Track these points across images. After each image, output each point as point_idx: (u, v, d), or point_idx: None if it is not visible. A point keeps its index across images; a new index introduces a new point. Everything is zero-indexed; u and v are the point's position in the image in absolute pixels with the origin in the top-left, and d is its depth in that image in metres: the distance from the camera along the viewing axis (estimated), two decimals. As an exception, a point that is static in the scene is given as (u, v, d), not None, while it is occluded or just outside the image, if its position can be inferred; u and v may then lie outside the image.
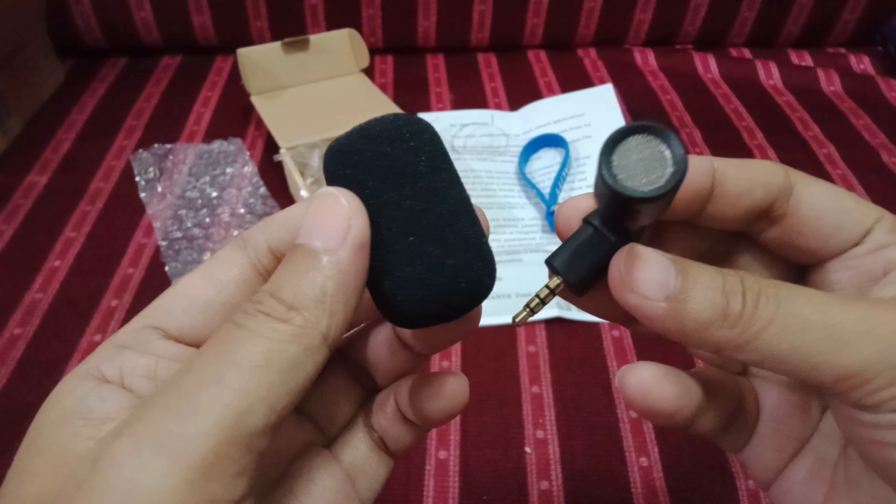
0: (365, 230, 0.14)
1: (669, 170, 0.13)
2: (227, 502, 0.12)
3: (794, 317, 0.14)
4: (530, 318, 0.17)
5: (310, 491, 0.17)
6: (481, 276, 0.15)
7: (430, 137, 0.15)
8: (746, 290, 0.14)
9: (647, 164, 0.14)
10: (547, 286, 0.16)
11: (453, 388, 0.17)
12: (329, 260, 0.14)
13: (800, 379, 0.14)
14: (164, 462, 0.12)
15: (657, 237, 0.18)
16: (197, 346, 0.15)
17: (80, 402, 0.14)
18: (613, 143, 0.14)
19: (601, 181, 0.14)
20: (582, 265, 0.16)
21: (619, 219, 0.15)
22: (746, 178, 0.16)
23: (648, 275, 0.14)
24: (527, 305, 0.17)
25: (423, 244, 0.15)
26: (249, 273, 0.16)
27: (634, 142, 0.14)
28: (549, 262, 0.16)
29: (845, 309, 0.14)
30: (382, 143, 0.15)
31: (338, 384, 0.19)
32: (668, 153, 0.13)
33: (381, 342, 0.19)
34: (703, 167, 0.16)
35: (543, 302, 0.17)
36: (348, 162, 0.15)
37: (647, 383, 0.16)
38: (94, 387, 0.14)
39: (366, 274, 0.14)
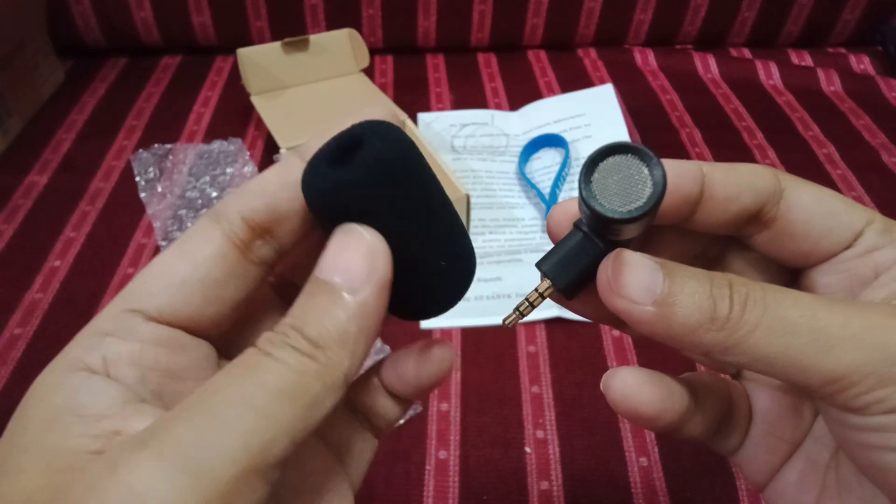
0: (389, 271, 0.14)
1: (648, 191, 0.14)
2: None
3: (781, 320, 0.14)
4: (521, 321, 0.17)
5: (300, 472, 0.17)
6: (468, 265, 0.16)
7: (399, 139, 0.15)
8: (734, 293, 0.14)
9: (627, 185, 0.14)
10: (536, 290, 0.17)
11: (440, 355, 0.17)
12: (353, 300, 0.14)
13: (788, 381, 0.14)
14: (188, 480, 0.11)
15: (647, 241, 0.18)
16: (176, 325, 0.15)
17: (69, 398, 0.13)
18: (593, 162, 0.14)
19: (581, 201, 0.14)
20: (570, 269, 0.16)
21: (601, 234, 0.16)
22: (735, 183, 0.16)
23: (636, 279, 0.15)
24: (516, 308, 0.17)
25: (423, 252, 0.15)
26: (225, 247, 0.15)
27: (615, 161, 0.14)
28: (538, 265, 0.17)
29: (832, 312, 0.14)
30: (360, 170, 0.14)
31: None
32: (647, 173, 0.14)
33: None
34: (692, 172, 0.16)
35: (532, 305, 0.17)
36: (343, 193, 0.15)
37: (630, 387, 0.17)
38: (83, 380, 0.14)
39: (385, 313, 0.15)
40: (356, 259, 0.14)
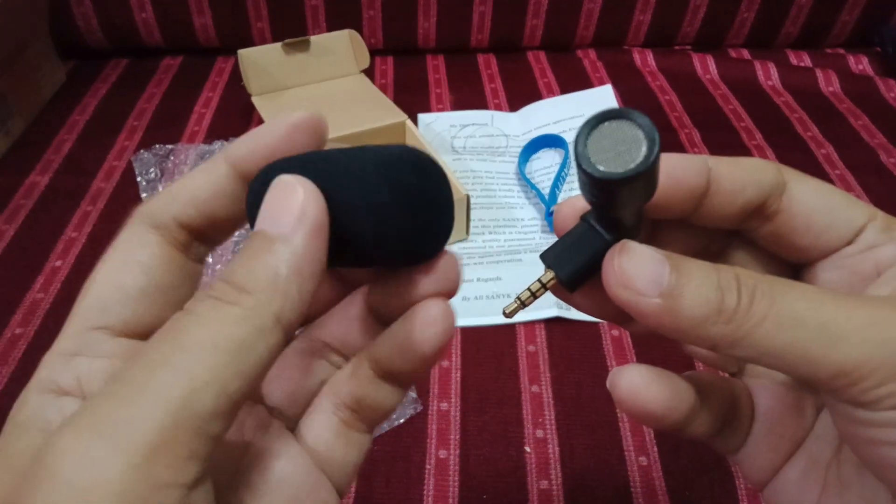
0: (320, 214, 0.14)
1: (643, 150, 0.13)
2: (177, 486, 0.12)
3: (789, 312, 0.14)
4: (522, 311, 0.17)
5: (267, 479, 0.16)
6: (444, 220, 0.15)
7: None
8: (741, 285, 0.14)
9: (621, 147, 0.14)
10: (539, 280, 0.17)
11: (434, 313, 0.16)
12: (284, 244, 0.13)
13: (796, 375, 0.14)
14: (107, 449, 0.11)
15: (652, 237, 0.18)
16: (143, 335, 0.15)
17: (35, 414, 0.13)
18: (587, 129, 0.14)
19: (578, 168, 0.14)
20: (574, 261, 0.16)
21: (605, 208, 0.15)
22: (739, 176, 0.16)
23: (642, 271, 0.14)
24: (518, 298, 0.17)
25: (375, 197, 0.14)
26: (168, 251, 0.15)
27: (608, 127, 0.14)
28: (542, 256, 0.17)
29: (840, 305, 0.14)
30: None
31: (295, 362, 0.18)
32: (641, 135, 0.13)
33: (352, 318, 0.18)
34: (698, 166, 0.16)
35: (535, 296, 0.17)
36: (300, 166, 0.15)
37: (637, 385, 0.16)
38: (52, 399, 0.14)
39: (324, 258, 0.14)
40: (286, 206, 0.14)
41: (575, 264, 0.16)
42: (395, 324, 0.16)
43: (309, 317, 0.19)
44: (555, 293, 0.18)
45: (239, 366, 0.12)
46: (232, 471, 0.16)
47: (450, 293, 0.16)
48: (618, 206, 0.15)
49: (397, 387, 0.17)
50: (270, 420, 0.17)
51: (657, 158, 0.13)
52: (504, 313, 0.17)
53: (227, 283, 0.13)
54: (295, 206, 0.14)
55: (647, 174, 0.13)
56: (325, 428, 0.17)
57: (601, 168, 0.14)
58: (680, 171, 0.16)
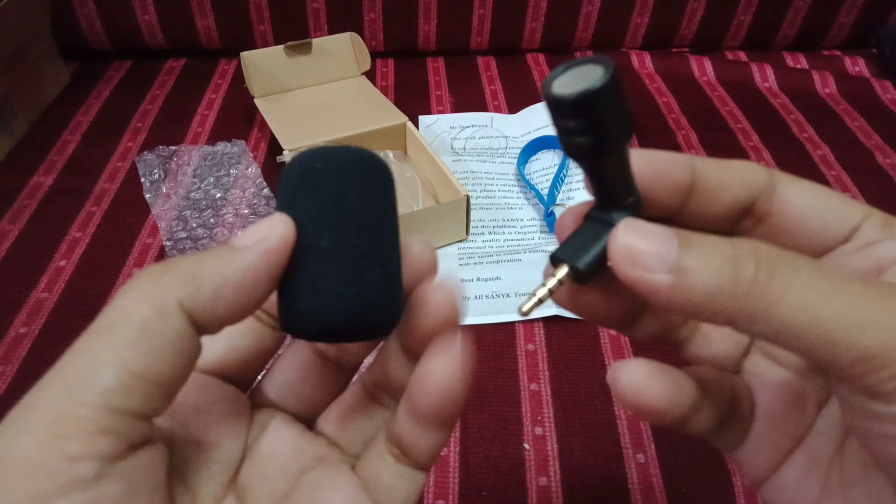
0: (279, 243, 0.15)
1: (600, 74, 0.14)
2: (91, 458, 0.12)
3: (815, 289, 0.13)
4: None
5: (314, 502, 0.16)
6: (381, 306, 0.15)
7: (374, 171, 0.16)
8: (760, 257, 0.13)
9: (582, 78, 0.14)
10: (553, 274, 0.16)
11: (437, 298, 0.16)
12: (227, 250, 0.14)
13: (814, 357, 0.13)
14: (15, 428, 0.12)
15: None
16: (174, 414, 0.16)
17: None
18: (555, 74, 0.15)
19: (544, 98, 0.15)
20: (586, 250, 0.16)
21: (587, 155, 0.15)
22: (725, 175, 0.16)
23: (649, 246, 0.14)
24: (533, 293, 0.16)
25: (337, 265, 0.15)
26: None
27: (576, 70, 0.15)
28: (552, 256, 0.16)
29: (869, 288, 0.13)
30: (333, 174, 0.16)
31: (355, 403, 0.19)
32: (602, 71, 0.14)
33: (396, 357, 0.18)
34: (682, 161, 0.16)
35: (551, 292, 0.16)
36: (301, 176, 0.16)
37: (639, 380, 0.16)
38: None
39: (267, 281, 0.15)
40: (255, 229, 0.15)
41: (587, 253, 0.16)
42: (418, 365, 0.16)
43: (356, 355, 0.19)
44: (560, 304, 0.17)
45: (141, 345, 0.13)
46: (283, 492, 0.17)
47: (451, 321, 0.16)
48: (597, 140, 0.15)
49: (432, 429, 0.17)
50: (330, 452, 0.18)
51: (614, 78, 0.14)
52: (520, 311, 0.16)
53: (160, 263, 0.14)
54: (261, 230, 0.15)
55: (605, 92, 0.14)
56: (377, 459, 0.18)
57: (561, 91, 0.14)
58: (663, 164, 0.16)
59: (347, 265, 0.15)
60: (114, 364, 0.13)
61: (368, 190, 0.16)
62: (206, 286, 0.14)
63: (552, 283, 0.16)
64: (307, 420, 0.19)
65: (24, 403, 0.13)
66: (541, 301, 0.16)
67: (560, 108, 0.14)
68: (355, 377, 0.20)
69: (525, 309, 0.16)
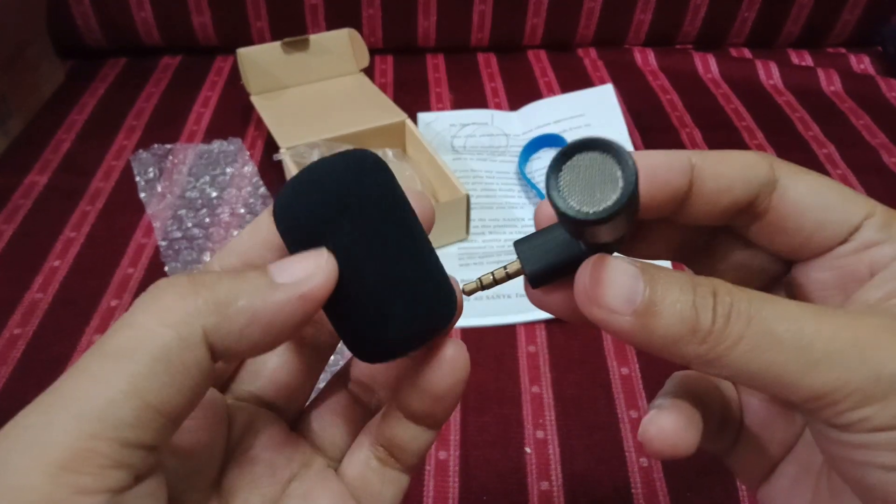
0: (320, 288, 0.14)
1: (617, 194, 0.12)
2: (101, 492, 0.12)
3: (765, 334, 0.13)
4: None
5: None
6: (443, 304, 0.16)
7: (376, 168, 0.15)
8: (718, 303, 0.14)
9: (595, 184, 0.13)
10: (505, 267, 0.16)
11: (451, 354, 0.16)
12: (267, 286, 0.14)
13: (772, 395, 0.14)
14: (27, 458, 0.11)
15: (636, 231, 0.18)
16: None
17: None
18: (562, 159, 0.13)
19: (549, 199, 0.13)
20: (544, 260, 0.16)
21: (576, 236, 0.15)
22: (726, 175, 0.16)
23: (615, 289, 0.14)
24: (479, 279, 0.17)
25: (387, 286, 0.15)
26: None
27: (584, 159, 0.13)
28: (516, 243, 0.16)
29: (820, 324, 0.13)
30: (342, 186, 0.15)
31: (338, 404, 0.19)
32: (618, 174, 0.12)
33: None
34: (680, 164, 0.16)
35: (496, 281, 0.16)
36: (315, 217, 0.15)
37: (671, 435, 0.16)
38: None
39: (300, 325, 0.14)
40: (297, 264, 0.14)
41: (544, 263, 0.16)
42: (415, 364, 0.17)
43: (333, 335, 0.19)
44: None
45: (162, 376, 0.12)
46: (273, 498, 0.17)
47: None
48: (591, 239, 0.14)
49: (425, 427, 0.17)
50: (314, 457, 0.18)
51: (636, 176, 0.12)
52: (463, 291, 0.17)
53: (188, 278, 0.13)
54: (303, 268, 0.14)
55: (619, 214, 0.12)
56: (363, 465, 0.18)
57: (571, 204, 0.13)
58: (661, 170, 0.15)
59: (403, 283, 0.15)
60: (131, 395, 0.12)
61: (382, 196, 0.15)
62: (236, 321, 0.13)
63: (499, 273, 0.16)
64: (286, 412, 0.18)
65: (33, 424, 0.12)
66: (483, 286, 0.17)
67: (587, 224, 0.13)
68: (333, 377, 0.20)
69: (467, 290, 0.17)
